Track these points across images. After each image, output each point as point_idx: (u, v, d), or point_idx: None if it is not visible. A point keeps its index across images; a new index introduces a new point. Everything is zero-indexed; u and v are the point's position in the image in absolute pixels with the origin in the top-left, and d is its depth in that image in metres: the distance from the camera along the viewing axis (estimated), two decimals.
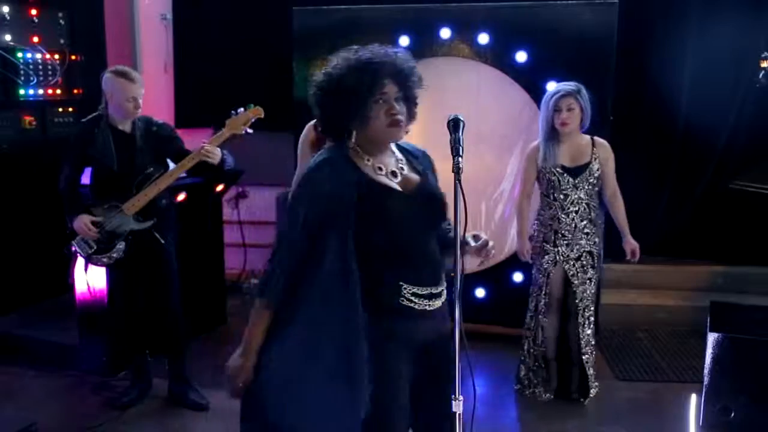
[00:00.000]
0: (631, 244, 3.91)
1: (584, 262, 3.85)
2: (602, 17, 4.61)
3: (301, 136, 3.72)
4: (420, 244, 2.16)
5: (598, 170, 3.79)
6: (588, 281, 3.88)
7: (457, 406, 1.86)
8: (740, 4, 5.25)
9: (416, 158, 2.29)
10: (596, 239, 3.87)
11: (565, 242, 3.82)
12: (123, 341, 4.06)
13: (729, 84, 5.46)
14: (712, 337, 3.63)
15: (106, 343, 4.31)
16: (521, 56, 4.66)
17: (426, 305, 2.15)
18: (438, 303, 2.18)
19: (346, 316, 2.06)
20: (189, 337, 4.24)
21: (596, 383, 4.05)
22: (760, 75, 5.46)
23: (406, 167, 2.23)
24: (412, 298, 2.13)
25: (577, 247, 3.83)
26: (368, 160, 2.17)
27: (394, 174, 2.19)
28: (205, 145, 3.66)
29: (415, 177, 2.22)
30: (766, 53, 5.45)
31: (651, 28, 5.50)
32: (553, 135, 3.78)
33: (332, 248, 2.07)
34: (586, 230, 3.82)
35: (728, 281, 5.43)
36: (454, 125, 2.11)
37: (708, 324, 3.73)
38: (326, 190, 2.09)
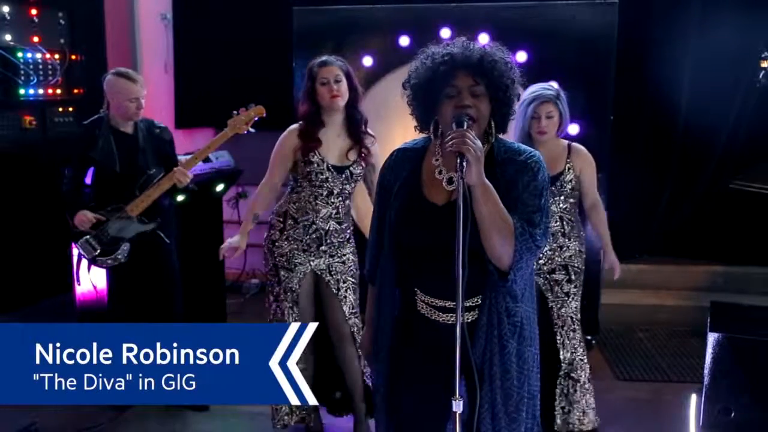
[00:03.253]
0: (610, 260, 3.62)
1: (558, 277, 3.54)
2: (602, 17, 4.61)
3: (284, 138, 3.41)
4: (434, 254, 2.05)
5: (572, 180, 3.50)
6: (565, 297, 3.55)
7: (457, 406, 1.85)
8: (740, 4, 5.25)
9: (506, 165, 2.06)
10: (572, 252, 3.55)
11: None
12: None
13: (729, 84, 5.46)
14: (712, 337, 3.63)
15: None
16: (521, 56, 4.66)
17: (438, 317, 2.10)
18: (452, 318, 2.05)
19: (383, 298, 2.19)
20: None
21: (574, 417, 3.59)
22: (760, 75, 5.46)
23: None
24: (424, 305, 2.12)
25: (549, 261, 3.53)
26: (436, 159, 2.11)
27: (451, 181, 2.06)
28: (177, 169, 3.73)
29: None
30: (766, 53, 5.45)
31: (651, 28, 5.50)
32: (527, 142, 3.45)
33: (384, 227, 2.17)
34: (559, 243, 3.52)
35: (728, 281, 5.43)
36: (458, 125, 1.97)
37: (708, 324, 3.73)
38: (382, 174, 2.22)
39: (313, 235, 3.39)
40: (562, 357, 3.56)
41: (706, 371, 3.67)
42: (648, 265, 5.50)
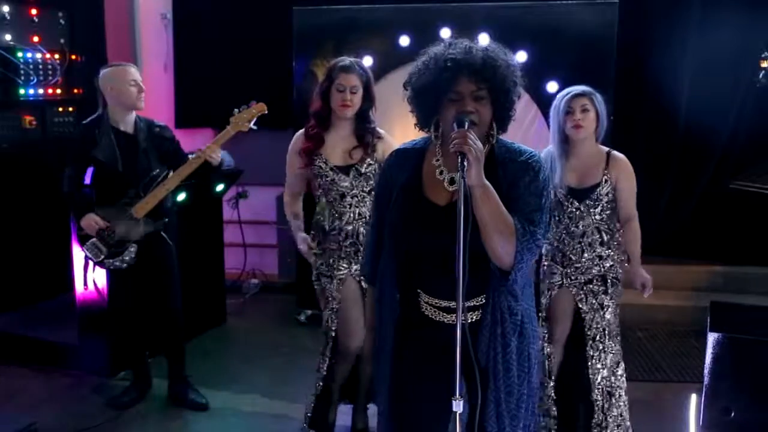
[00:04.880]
0: (641, 276, 3.38)
1: (594, 288, 3.36)
2: (602, 17, 4.62)
3: (291, 144, 3.47)
4: (436, 255, 2.06)
5: (608, 193, 3.31)
6: (600, 308, 3.36)
7: (457, 406, 1.85)
8: (740, 4, 5.26)
9: (508, 165, 2.07)
10: (612, 262, 3.37)
11: (573, 265, 3.37)
12: (124, 341, 4.07)
13: (729, 84, 5.46)
14: (712, 337, 3.63)
15: (107, 343, 4.31)
16: (521, 56, 4.66)
17: (443, 318, 2.11)
18: (453, 318, 2.03)
19: (384, 299, 2.18)
20: (188, 337, 4.24)
21: None
22: (760, 75, 5.46)
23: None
24: (428, 306, 2.13)
25: (587, 271, 3.36)
26: (437, 160, 2.11)
27: (452, 181, 2.07)
28: (207, 147, 3.68)
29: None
30: (766, 53, 5.45)
31: (651, 28, 5.50)
32: (564, 147, 3.33)
33: (384, 228, 2.17)
34: (597, 252, 3.35)
35: (728, 281, 5.43)
36: (459, 125, 1.97)
37: (708, 324, 3.73)
38: (381, 175, 2.24)
39: (347, 242, 3.32)
40: (592, 370, 3.40)
41: (706, 371, 3.67)
42: (648, 265, 5.46)
